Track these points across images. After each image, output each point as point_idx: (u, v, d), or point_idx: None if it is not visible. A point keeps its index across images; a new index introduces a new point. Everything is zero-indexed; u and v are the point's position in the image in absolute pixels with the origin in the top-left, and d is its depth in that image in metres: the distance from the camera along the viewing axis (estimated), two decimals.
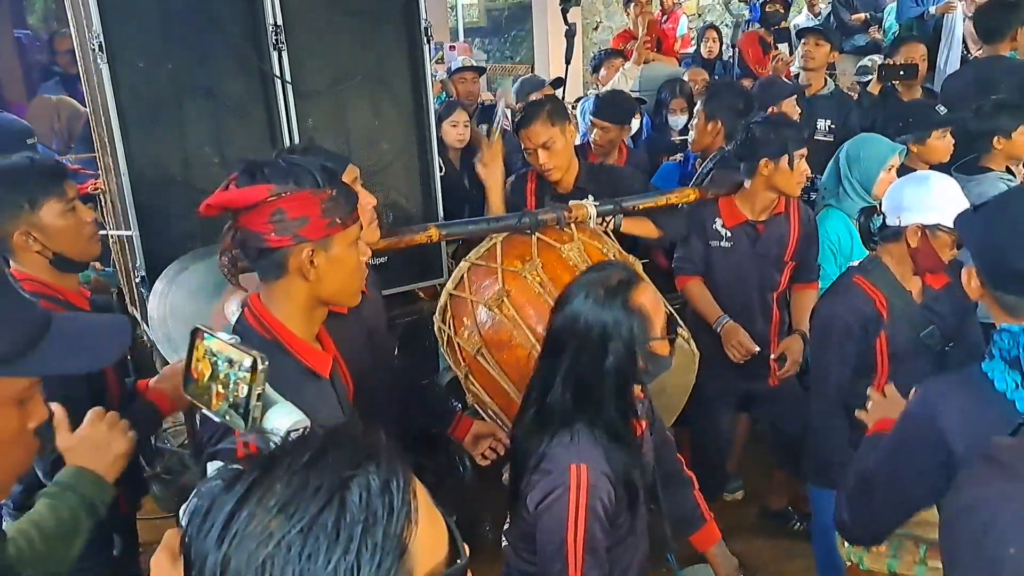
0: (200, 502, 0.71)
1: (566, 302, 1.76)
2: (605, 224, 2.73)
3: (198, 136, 2.56)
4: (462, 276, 2.42)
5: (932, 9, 5.84)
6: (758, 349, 2.91)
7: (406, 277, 2.92)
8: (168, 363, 2.14)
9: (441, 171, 2.87)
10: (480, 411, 2.39)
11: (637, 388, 1.82)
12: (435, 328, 2.50)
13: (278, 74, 2.56)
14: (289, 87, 2.59)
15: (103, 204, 3.00)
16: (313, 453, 0.70)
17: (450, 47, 9.45)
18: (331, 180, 1.48)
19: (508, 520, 1.90)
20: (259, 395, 1.21)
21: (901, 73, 4.09)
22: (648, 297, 1.75)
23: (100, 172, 2.95)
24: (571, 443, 1.68)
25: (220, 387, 1.24)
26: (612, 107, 3.87)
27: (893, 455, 1.60)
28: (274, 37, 2.53)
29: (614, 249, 2.54)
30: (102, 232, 2.54)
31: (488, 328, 2.31)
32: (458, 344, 2.37)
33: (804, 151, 2.85)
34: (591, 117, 3.88)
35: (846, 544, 1.98)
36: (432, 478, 2.99)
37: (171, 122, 2.53)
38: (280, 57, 2.56)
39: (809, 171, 2.89)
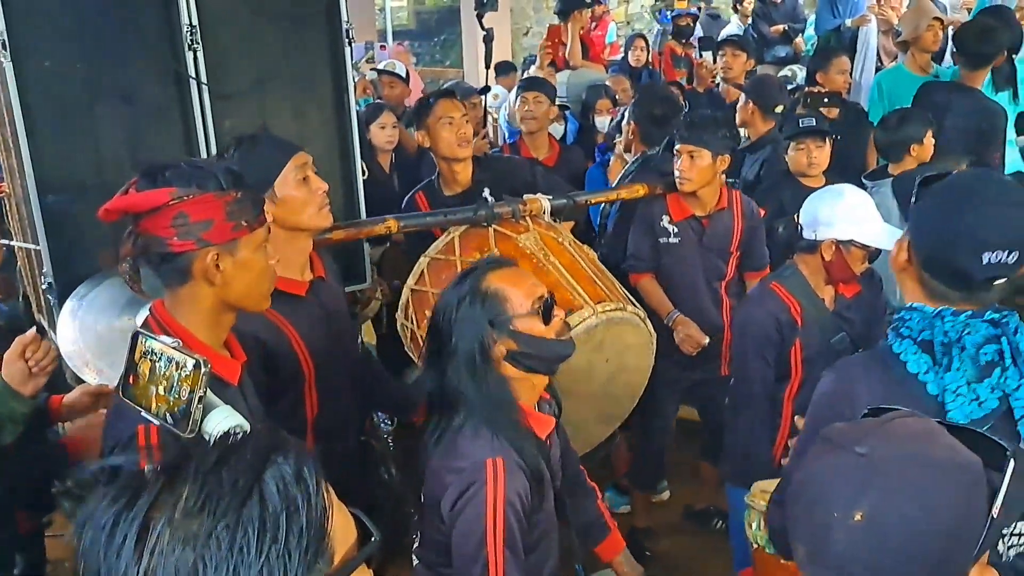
0: (99, 521, 0.69)
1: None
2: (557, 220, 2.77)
3: (110, 139, 2.47)
4: (422, 271, 2.49)
5: (848, 22, 6.08)
6: (708, 341, 3.01)
7: None
8: (82, 381, 2.07)
9: (364, 174, 2.84)
10: None
11: (540, 381, 1.79)
12: (398, 325, 2.55)
13: (194, 75, 2.50)
14: (206, 89, 2.53)
15: (7, 208, 2.87)
16: (221, 453, 0.72)
17: (381, 46, 9.36)
18: (236, 183, 1.45)
19: (418, 537, 1.84)
20: (200, 398, 1.19)
21: (825, 100, 4.27)
22: (507, 279, 1.71)
23: (4, 175, 2.83)
24: (477, 438, 1.65)
25: (161, 389, 1.22)
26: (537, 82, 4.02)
27: (810, 440, 1.59)
28: (189, 38, 2.47)
29: (569, 238, 2.60)
30: (3, 242, 2.45)
31: None
32: (421, 338, 2.40)
33: (678, 148, 2.92)
34: (521, 92, 3.98)
35: (753, 525, 1.97)
36: (359, 489, 2.95)
37: (81, 124, 2.44)
38: (196, 58, 2.50)
39: (679, 167, 2.94)
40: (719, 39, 5.25)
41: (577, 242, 2.63)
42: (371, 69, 6.15)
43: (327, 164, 2.87)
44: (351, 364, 2.22)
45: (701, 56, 5.06)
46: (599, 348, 2.36)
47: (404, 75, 5.30)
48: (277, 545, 0.68)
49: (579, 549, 2.03)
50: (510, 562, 1.62)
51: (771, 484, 1.98)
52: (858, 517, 0.91)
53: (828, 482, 0.95)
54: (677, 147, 2.93)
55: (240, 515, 0.67)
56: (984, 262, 1.36)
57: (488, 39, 4.17)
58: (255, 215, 1.47)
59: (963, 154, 3.60)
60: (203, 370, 1.17)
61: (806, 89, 4.47)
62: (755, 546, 1.87)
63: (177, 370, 1.20)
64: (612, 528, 2.13)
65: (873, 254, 2.39)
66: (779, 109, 3.97)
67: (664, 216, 3.06)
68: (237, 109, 2.64)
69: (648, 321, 2.45)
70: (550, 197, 2.67)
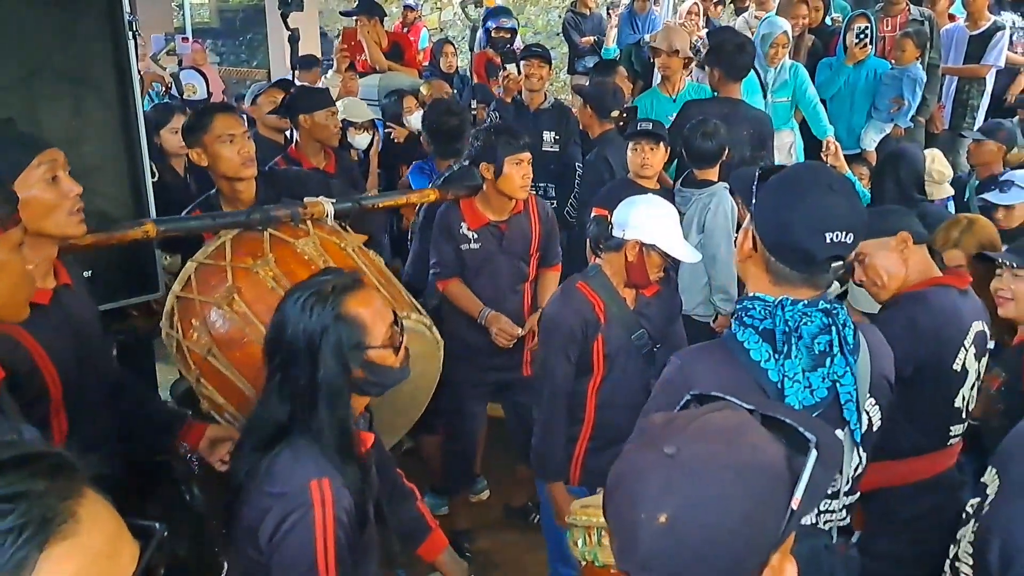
0: None
1: (278, 308, 1.70)
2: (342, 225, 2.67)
3: None
4: (189, 277, 2.30)
5: (647, 37, 6.46)
6: (520, 331, 3.08)
7: (116, 292, 2.65)
8: None
9: (154, 176, 2.65)
10: (215, 416, 2.27)
11: (363, 400, 1.77)
12: (163, 334, 2.36)
13: None
14: None
15: None
16: None
17: (183, 39, 8.83)
18: None
19: (226, 564, 1.76)
20: None
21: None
22: (366, 304, 1.70)
23: None
24: (297, 461, 1.60)
25: None
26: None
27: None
28: None
29: (354, 243, 2.50)
30: None
31: (218, 327, 2.22)
32: (187, 348, 2.25)
33: (520, 156, 2.99)
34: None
35: (579, 543, 1.98)
36: (158, 512, 2.75)
37: None
38: None
39: (530, 175, 3.03)
40: (522, 50, 5.44)
41: (363, 248, 2.54)
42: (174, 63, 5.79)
43: (111, 164, 2.67)
44: (105, 380, 2.03)
45: (505, 68, 5.29)
46: None
47: (204, 79, 5.05)
48: None
49: (400, 553, 2.00)
50: None
51: (592, 500, 2.02)
52: (662, 520, 0.91)
53: (638, 481, 0.96)
54: (516, 156, 2.96)
55: None
56: (827, 241, 1.47)
57: (293, 39, 4.05)
58: (8, 214, 1.33)
59: (748, 159, 3.93)
60: None
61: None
62: (583, 563, 1.89)
63: None
64: (434, 527, 2.12)
65: (670, 264, 2.56)
66: (615, 114, 4.15)
67: (462, 223, 3.10)
68: (2, 103, 2.38)
69: (435, 329, 2.41)
70: (333, 200, 2.56)
